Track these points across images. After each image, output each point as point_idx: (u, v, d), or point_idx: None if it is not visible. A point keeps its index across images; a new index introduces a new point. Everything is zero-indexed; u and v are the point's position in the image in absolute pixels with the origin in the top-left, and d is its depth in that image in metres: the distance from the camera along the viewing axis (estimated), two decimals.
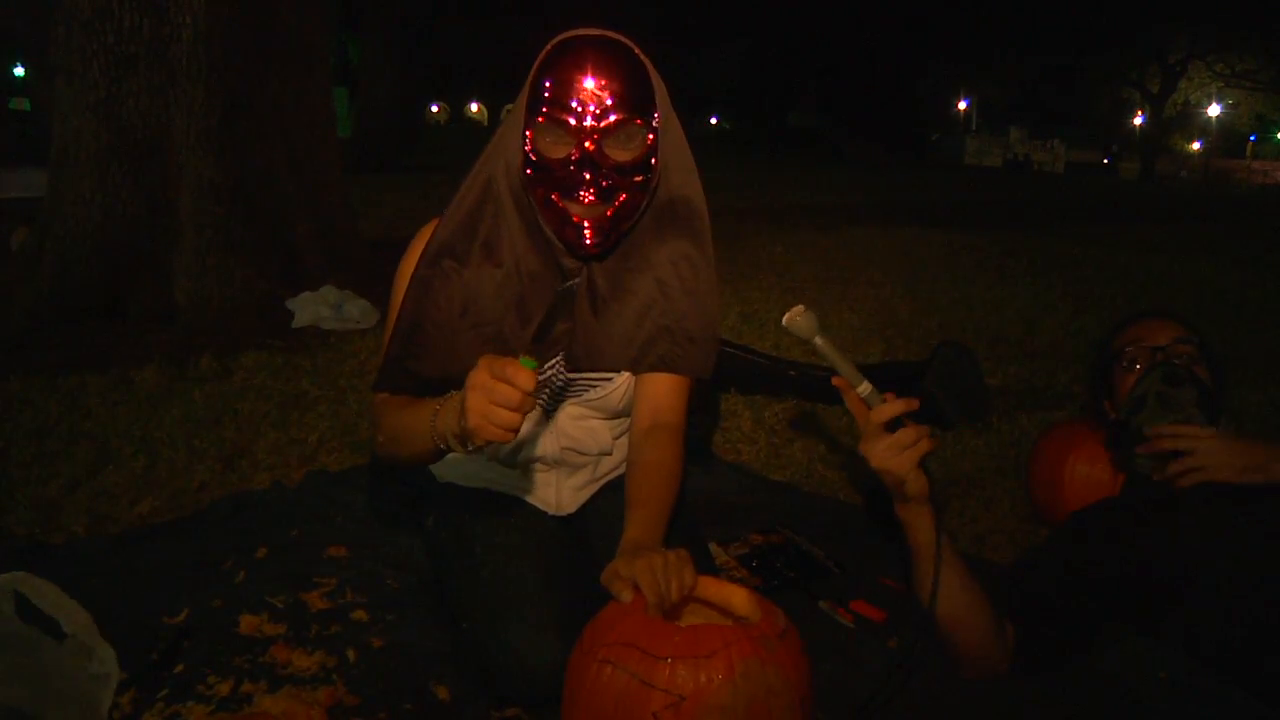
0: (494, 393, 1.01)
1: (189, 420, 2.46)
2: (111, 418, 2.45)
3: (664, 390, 1.43)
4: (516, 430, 1.03)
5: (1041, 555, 1.44)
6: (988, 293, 4.94)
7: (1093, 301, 4.78)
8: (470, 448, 1.08)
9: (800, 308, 1.11)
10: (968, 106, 40.57)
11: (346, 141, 10.75)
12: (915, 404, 1.14)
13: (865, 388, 1.14)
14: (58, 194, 3.61)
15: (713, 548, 1.78)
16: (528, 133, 1.23)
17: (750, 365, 2.89)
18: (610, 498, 1.54)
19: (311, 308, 3.62)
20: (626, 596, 1.08)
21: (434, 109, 47.61)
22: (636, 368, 1.40)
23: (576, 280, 1.33)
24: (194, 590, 1.54)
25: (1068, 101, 34.72)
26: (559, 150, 1.21)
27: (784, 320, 1.12)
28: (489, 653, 1.28)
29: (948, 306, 4.52)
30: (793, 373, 2.88)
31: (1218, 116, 36.32)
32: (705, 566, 1.50)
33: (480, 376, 1.02)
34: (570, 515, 1.54)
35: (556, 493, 1.52)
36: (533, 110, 1.22)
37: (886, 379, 2.99)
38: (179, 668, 1.33)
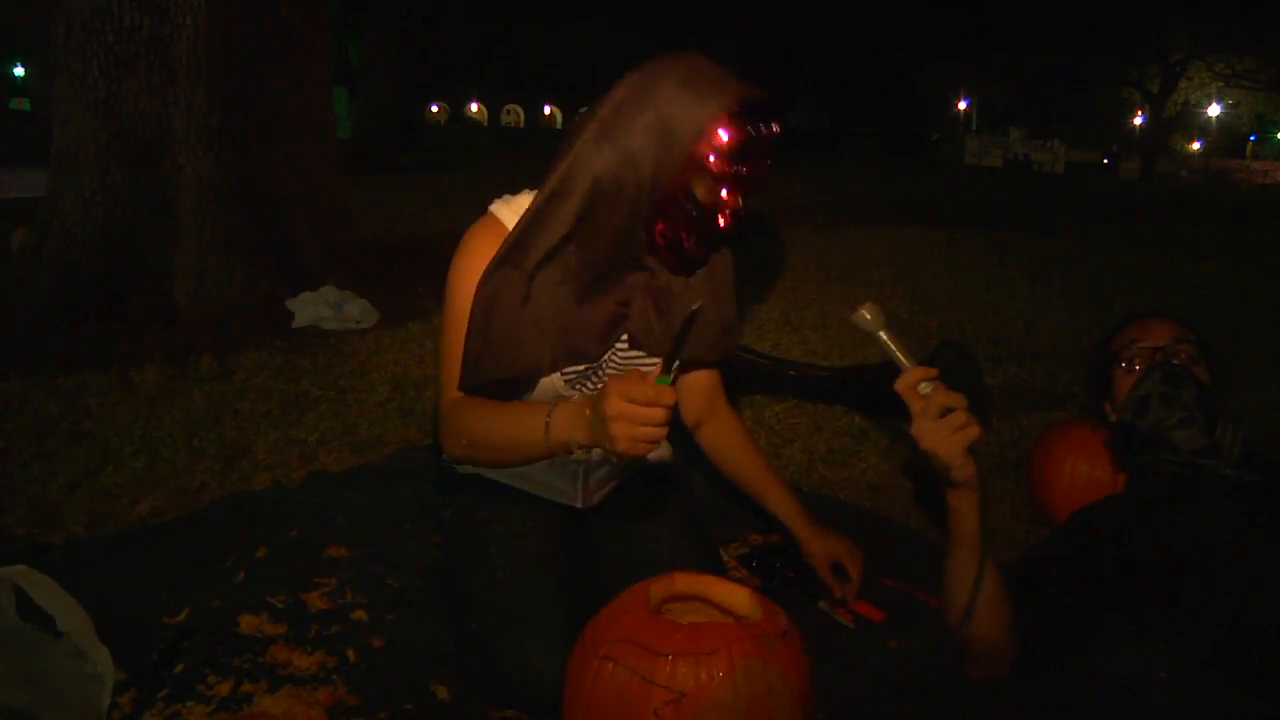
0: (638, 416, 1.08)
1: (189, 420, 2.46)
2: (111, 418, 2.45)
3: (707, 373, 1.64)
4: (658, 442, 1.11)
5: (1044, 554, 1.44)
6: (988, 293, 4.94)
7: (1093, 301, 4.78)
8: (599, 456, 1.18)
9: (869, 304, 1.21)
10: (968, 106, 40.56)
11: (346, 141, 10.76)
12: (965, 400, 1.19)
13: (925, 381, 1.20)
14: (58, 194, 3.61)
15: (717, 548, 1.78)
16: (685, 174, 1.25)
17: (750, 365, 2.89)
18: (623, 496, 1.56)
19: (311, 308, 3.62)
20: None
21: (434, 109, 47.61)
22: (707, 356, 1.53)
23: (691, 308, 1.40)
24: (194, 590, 1.53)
25: (1068, 101, 34.71)
26: (709, 196, 1.27)
27: (852, 317, 1.21)
28: (496, 657, 1.28)
29: (948, 306, 4.52)
30: (792, 373, 2.88)
31: (1218, 116, 36.33)
32: (714, 566, 1.52)
33: (618, 406, 1.08)
34: (590, 510, 1.55)
35: (583, 485, 1.52)
36: (701, 155, 1.23)
37: (886, 379, 2.99)
38: (179, 668, 1.33)
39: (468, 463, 1.36)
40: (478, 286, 1.32)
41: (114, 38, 3.48)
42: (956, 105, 40.40)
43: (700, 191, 1.26)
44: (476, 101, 53.95)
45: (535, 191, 1.34)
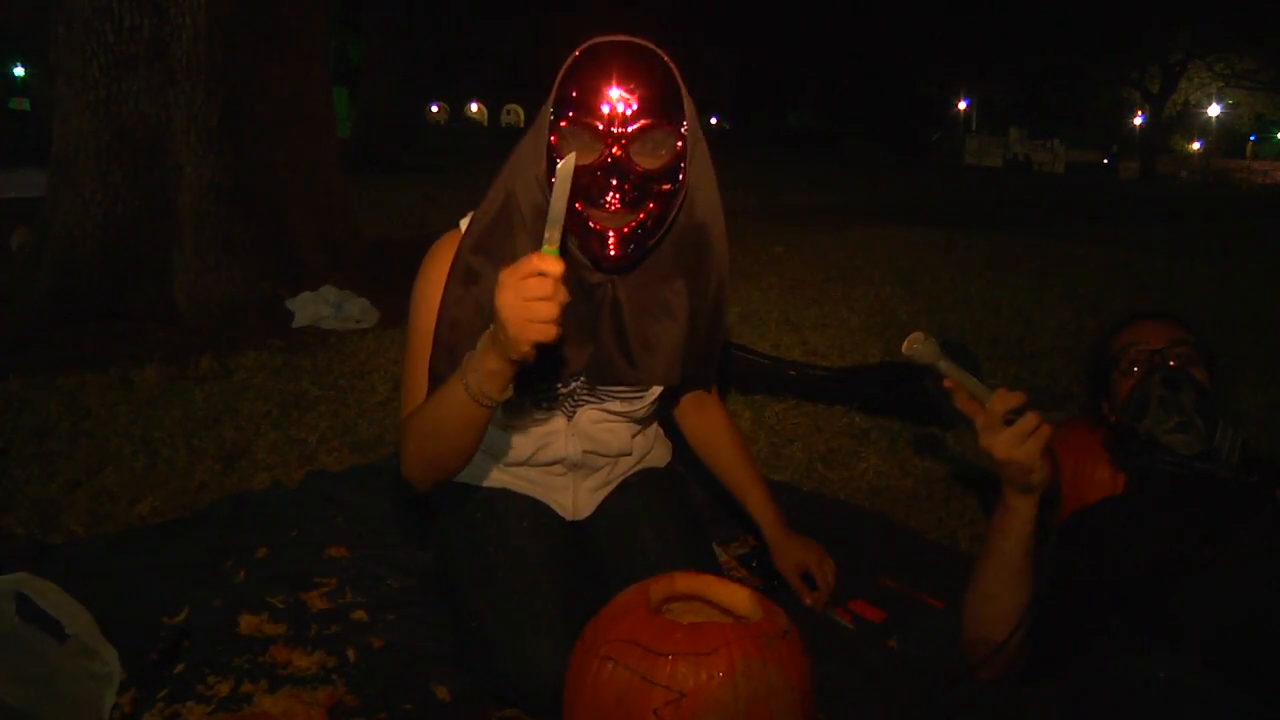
0: (525, 289, 0.98)
1: (189, 420, 2.46)
2: (111, 418, 2.45)
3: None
4: (556, 324, 1.00)
5: (1044, 557, 1.43)
6: (987, 293, 4.94)
7: (1093, 301, 4.78)
8: (509, 394, 1.10)
9: (920, 334, 1.16)
10: (968, 106, 40.57)
11: (346, 141, 10.77)
12: (1025, 397, 1.20)
13: (989, 396, 1.20)
14: (58, 194, 3.61)
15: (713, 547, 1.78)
16: (552, 138, 1.20)
17: (750, 365, 2.89)
18: (618, 498, 1.55)
19: (311, 308, 3.62)
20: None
21: (434, 109, 47.62)
22: (667, 383, 1.42)
23: (604, 284, 1.30)
24: (194, 590, 1.54)
25: (1068, 101, 34.72)
26: (585, 156, 1.17)
27: (904, 348, 1.16)
28: (497, 657, 1.28)
29: (948, 306, 4.53)
30: (793, 372, 2.88)
31: (1218, 116, 36.34)
32: (710, 566, 1.51)
33: (504, 282, 0.99)
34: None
35: (574, 496, 1.51)
36: (558, 116, 1.19)
37: (886, 379, 2.99)
38: (179, 668, 1.33)
39: (426, 480, 1.28)
40: (441, 302, 1.29)
41: (114, 38, 3.48)
42: (956, 105, 40.41)
43: (569, 150, 1.14)
44: (476, 101, 53.96)
45: None
